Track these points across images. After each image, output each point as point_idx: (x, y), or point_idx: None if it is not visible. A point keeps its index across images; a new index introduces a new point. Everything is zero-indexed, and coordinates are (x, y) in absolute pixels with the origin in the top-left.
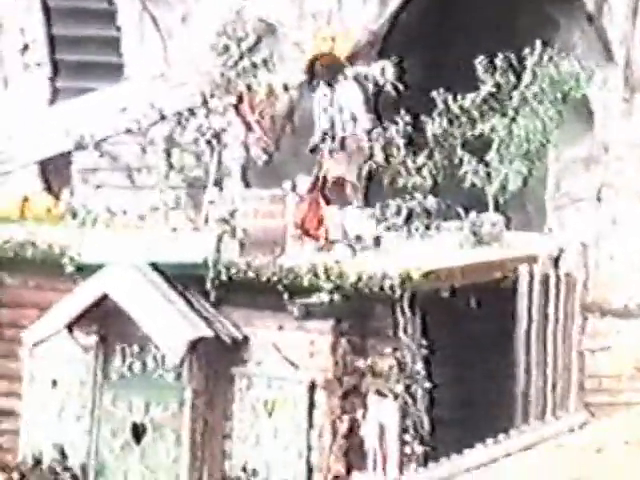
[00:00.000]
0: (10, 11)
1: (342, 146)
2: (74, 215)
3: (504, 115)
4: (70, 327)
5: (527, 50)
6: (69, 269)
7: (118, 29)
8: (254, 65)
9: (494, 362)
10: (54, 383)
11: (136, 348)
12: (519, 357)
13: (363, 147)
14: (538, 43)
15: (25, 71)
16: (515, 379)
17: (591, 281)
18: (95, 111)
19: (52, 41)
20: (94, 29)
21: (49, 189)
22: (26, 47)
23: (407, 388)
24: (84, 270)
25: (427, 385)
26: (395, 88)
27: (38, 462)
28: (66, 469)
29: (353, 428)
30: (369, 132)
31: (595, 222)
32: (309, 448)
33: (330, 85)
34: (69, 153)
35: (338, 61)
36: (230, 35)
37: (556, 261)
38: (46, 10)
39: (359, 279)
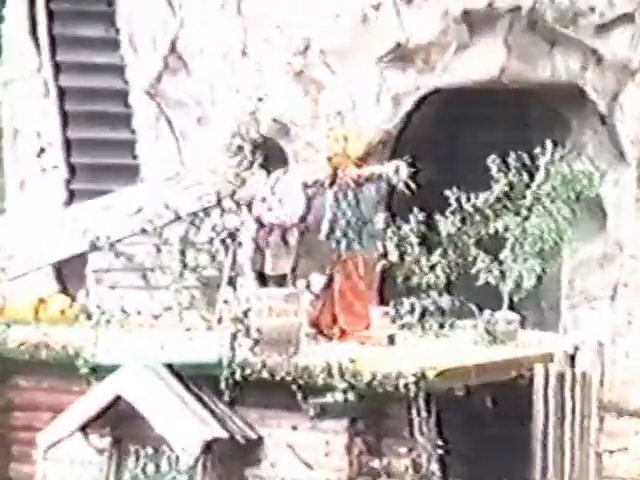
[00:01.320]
0: (26, 115)
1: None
2: (88, 316)
3: (517, 214)
4: (84, 429)
5: (539, 149)
6: (83, 370)
7: (133, 132)
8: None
9: (510, 462)
10: None
11: (150, 450)
12: (535, 457)
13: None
14: (549, 143)
15: (41, 174)
16: (532, 479)
17: (607, 380)
18: (110, 212)
19: (68, 144)
20: (110, 132)
21: (65, 290)
22: (42, 150)
23: None
24: (98, 371)
25: None
26: (408, 187)
27: None
28: None
29: None
30: (383, 231)
31: (610, 320)
32: None
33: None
34: (84, 254)
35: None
36: (244, 136)
37: (572, 360)
38: (62, 114)
39: (373, 378)
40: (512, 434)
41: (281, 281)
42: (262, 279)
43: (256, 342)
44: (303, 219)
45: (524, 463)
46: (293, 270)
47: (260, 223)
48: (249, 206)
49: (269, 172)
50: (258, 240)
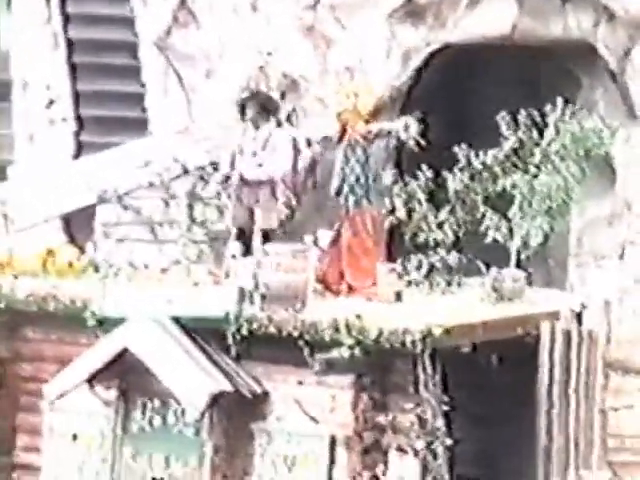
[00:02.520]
0: (35, 67)
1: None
2: (96, 269)
3: (526, 171)
4: (91, 381)
5: (549, 106)
6: (91, 323)
7: (142, 85)
8: (278, 120)
9: (515, 419)
10: (74, 437)
11: (157, 402)
12: (541, 414)
13: None
14: (560, 100)
15: (50, 126)
16: (537, 436)
17: (614, 338)
18: (118, 165)
19: (77, 96)
20: (119, 85)
21: (73, 243)
22: (51, 102)
23: (428, 444)
24: (105, 324)
25: (448, 441)
26: (417, 143)
27: None
28: None
29: None
30: (392, 187)
31: (618, 279)
32: None
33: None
34: (92, 207)
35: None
36: (253, 90)
37: (578, 318)
38: (71, 66)
39: (380, 334)
40: (518, 391)
41: (267, 236)
42: (243, 235)
43: (263, 297)
44: (294, 174)
45: (529, 420)
46: (281, 225)
47: (243, 179)
48: (232, 162)
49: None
50: (242, 196)
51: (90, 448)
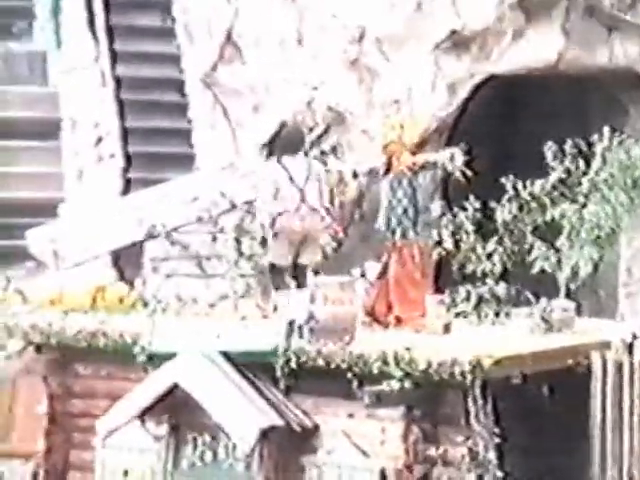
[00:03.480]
0: (84, 105)
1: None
2: (145, 304)
3: (574, 201)
4: (142, 416)
5: (596, 136)
6: (140, 358)
7: (189, 121)
8: (323, 153)
9: (568, 450)
10: (126, 473)
11: (207, 437)
12: (594, 445)
13: None
14: (607, 129)
15: (98, 163)
16: (590, 468)
17: None
18: (166, 201)
19: (125, 133)
20: (166, 121)
21: (122, 279)
22: (100, 140)
23: (479, 478)
24: (155, 359)
25: (499, 474)
26: (464, 174)
27: None
28: None
29: None
30: (439, 219)
31: None
32: None
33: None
34: (141, 243)
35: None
36: (300, 124)
37: (630, 348)
38: (119, 103)
39: (429, 366)
40: (570, 423)
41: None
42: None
43: (312, 330)
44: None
45: (582, 452)
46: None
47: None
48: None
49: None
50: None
51: None
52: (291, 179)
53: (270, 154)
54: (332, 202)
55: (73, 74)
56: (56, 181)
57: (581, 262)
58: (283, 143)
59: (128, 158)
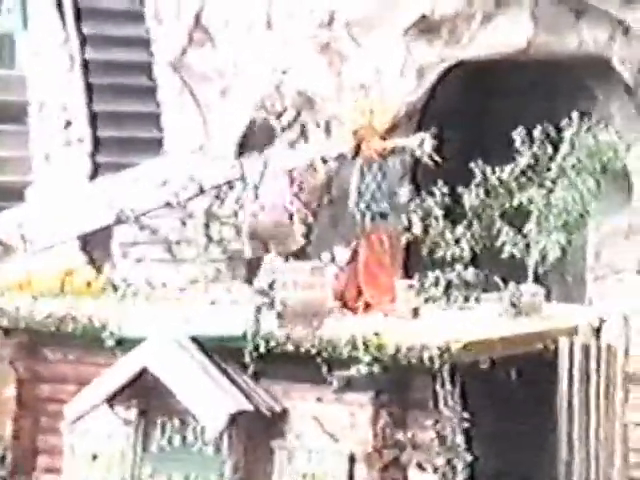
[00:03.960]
0: (52, 88)
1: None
2: (114, 289)
3: (542, 186)
4: (111, 401)
5: (565, 121)
6: (109, 343)
7: (158, 104)
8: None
9: (536, 434)
10: (94, 457)
11: (176, 421)
12: (561, 429)
13: None
14: (575, 114)
15: (67, 147)
16: (557, 451)
17: (633, 352)
18: (135, 185)
19: (93, 117)
20: (135, 105)
21: (91, 263)
22: (68, 123)
23: (448, 461)
24: (124, 344)
25: (468, 458)
26: (433, 160)
27: None
28: None
29: None
30: (408, 204)
31: (636, 292)
32: None
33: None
34: (110, 227)
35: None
36: (269, 109)
37: (597, 332)
38: (87, 87)
39: (398, 351)
40: (537, 407)
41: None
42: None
43: (280, 315)
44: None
45: (549, 435)
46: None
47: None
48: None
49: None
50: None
51: (110, 468)
52: (243, 179)
53: (242, 152)
54: (301, 187)
55: (41, 57)
56: (24, 165)
57: (549, 247)
58: (253, 140)
59: (97, 142)
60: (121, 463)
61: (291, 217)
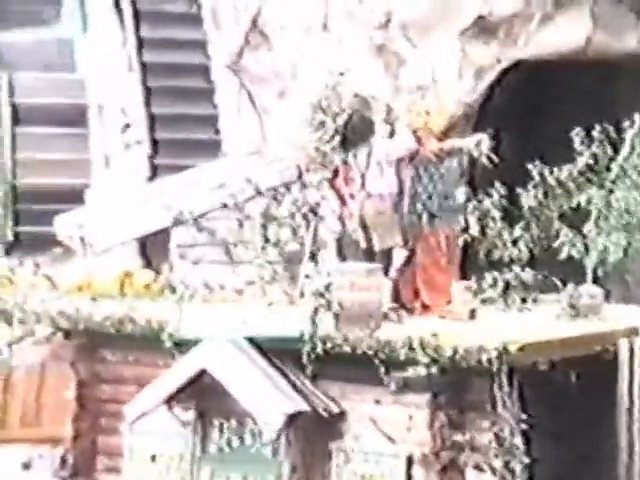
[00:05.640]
0: (111, 91)
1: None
2: (172, 290)
3: (601, 187)
4: (169, 402)
5: (626, 122)
6: (168, 344)
7: (215, 107)
8: (342, 143)
9: (595, 438)
10: (153, 458)
11: (234, 423)
12: (621, 433)
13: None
14: (637, 116)
15: (126, 149)
16: (617, 456)
17: None
18: (193, 187)
19: (152, 120)
20: (192, 107)
21: (149, 265)
22: (127, 126)
23: (506, 463)
24: (182, 345)
25: (526, 460)
26: (490, 160)
27: None
28: None
29: None
30: (465, 205)
31: None
32: None
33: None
34: (168, 229)
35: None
36: (326, 110)
37: None
38: (146, 89)
39: (455, 352)
40: (596, 409)
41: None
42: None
43: (337, 316)
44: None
45: (609, 439)
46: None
47: (342, 199)
48: (330, 181)
49: (349, 148)
50: (343, 217)
51: (169, 469)
52: (301, 180)
53: (343, 143)
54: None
55: (100, 60)
56: (83, 168)
57: (609, 248)
58: (351, 132)
59: (155, 144)
60: (179, 464)
61: (396, 208)
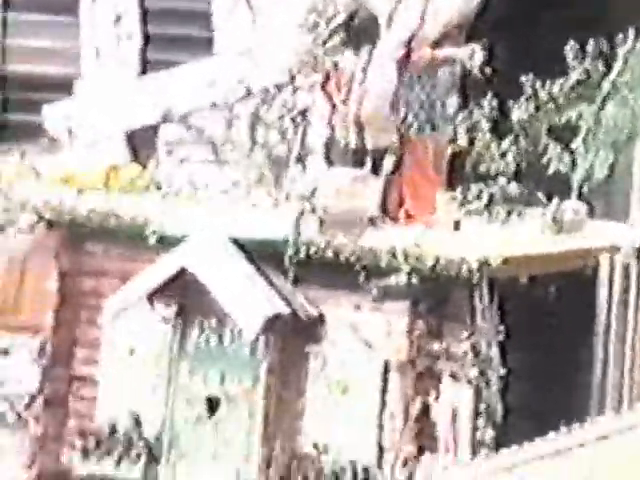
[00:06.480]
0: None
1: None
2: (158, 187)
3: (592, 102)
4: (150, 298)
5: (619, 37)
6: (151, 241)
7: (209, 3)
8: (343, 43)
9: (571, 351)
10: (131, 352)
11: (214, 322)
12: (597, 347)
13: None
14: (631, 31)
15: (116, 42)
16: (592, 369)
17: None
18: (183, 84)
19: (144, 13)
20: (186, 2)
21: (136, 160)
22: (118, 18)
23: (481, 373)
24: (166, 242)
25: (502, 371)
26: (482, 72)
27: (114, 430)
28: (141, 438)
29: (425, 410)
30: (455, 115)
31: None
32: (381, 429)
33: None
34: (156, 125)
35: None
36: (320, 12)
37: (639, 253)
38: None
39: (437, 262)
40: (575, 325)
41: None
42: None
43: (322, 221)
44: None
45: (585, 352)
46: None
47: (332, 104)
48: (322, 85)
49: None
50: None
51: (147, 363)
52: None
53: (347, 41)
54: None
55: None
56: (74, 57)
57: (596, 165)
58: (355, 31)
59: (147, 38)
60: (158, 360)
61: (393, 109)
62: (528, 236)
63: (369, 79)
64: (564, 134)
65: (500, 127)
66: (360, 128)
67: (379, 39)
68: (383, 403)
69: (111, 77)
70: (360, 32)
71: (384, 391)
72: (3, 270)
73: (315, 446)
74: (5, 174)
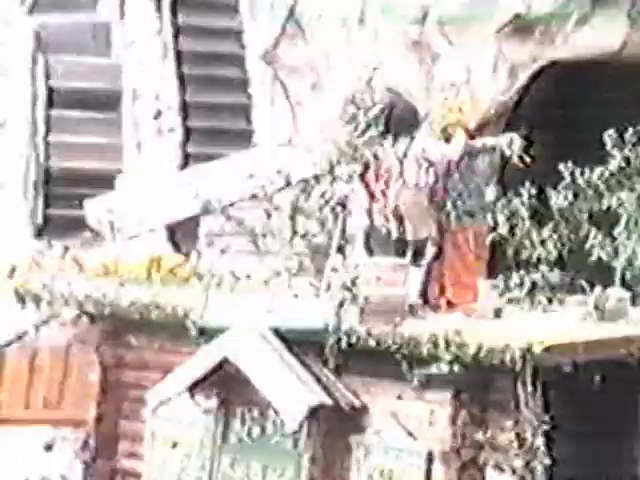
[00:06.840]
0: (145, 78)
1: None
2: (199, 278)
3: (632, 190)
4: (192, 389)
5: None
6: (192, 332)
7: (249, 97)
8: (381, 134)
9: (617, 442)
10: (174, 445)
11: (256, 413)
12: None
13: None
14: None
15: (158, 136)
16: (638, 459)
17: None
18: (223, 176)
19: (185, 107)
20: (226, 96)
21: (177, 252)
22: (159, 113)
23: (526, 464)
24: (207, 333)
25: (547, 461)
26: (521, 160)
27: None
28: None
29: None
30: (494, 203)
31: None
32: None
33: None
34: (197, 217)
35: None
36: (358, 104)
37: None
38: (180, 77)
39: (479, 350)
40: (619, 412)
41: (422, 246)
42: (402, 246)
43: (362, 310)
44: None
45: (631, 443)
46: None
47: (371, 194)
48: (361, 175)
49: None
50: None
51: (190, 456)
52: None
53: (386, 132)
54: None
55: (135, 46)
56: (115, 152)
57: (638, 251)
58: (395, 121)
59: (187, 132)
60: (200, 452)
61: (432, 200)
62: (570, 323)
63: (407, 170)
64: (605, 221)
65: (540, 215)
66: (400, 220)
67: (417, 130)
68: None
69: (153, 170)
70: (398, 123)
71: None
72: (46, 363)
73: None
74: (48, 268)
